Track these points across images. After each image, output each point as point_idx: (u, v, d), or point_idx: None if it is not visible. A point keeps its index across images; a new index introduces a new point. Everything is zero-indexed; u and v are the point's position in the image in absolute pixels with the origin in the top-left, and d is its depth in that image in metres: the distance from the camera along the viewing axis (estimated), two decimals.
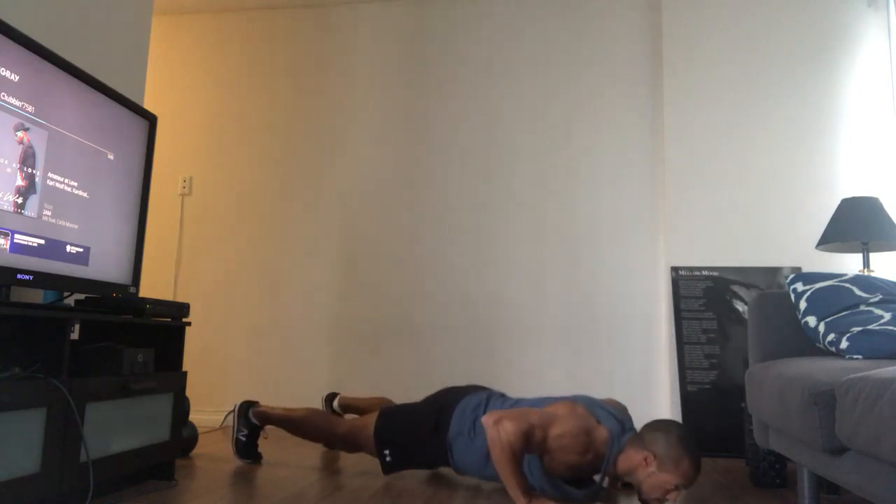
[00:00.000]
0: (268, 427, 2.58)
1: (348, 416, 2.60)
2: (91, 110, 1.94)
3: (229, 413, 3.46)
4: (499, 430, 1.84)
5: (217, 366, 3.58)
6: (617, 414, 1.99)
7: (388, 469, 2.21)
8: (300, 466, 2.39)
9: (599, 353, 3.26)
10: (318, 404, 3.35)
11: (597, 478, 2.10)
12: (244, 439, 2.46)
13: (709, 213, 3.17)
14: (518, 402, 2.14)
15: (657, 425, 1.89)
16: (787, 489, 2.15)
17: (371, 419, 2.26)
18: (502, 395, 2.23)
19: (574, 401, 2.02)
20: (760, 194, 3.15)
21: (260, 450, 2.53)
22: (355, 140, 3.67)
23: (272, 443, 2.93)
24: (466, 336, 3.38)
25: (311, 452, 2.70)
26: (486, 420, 1.88)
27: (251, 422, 2.48)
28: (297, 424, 2.40)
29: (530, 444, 1.87)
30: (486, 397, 2.18)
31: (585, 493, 1.95)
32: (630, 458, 1.88)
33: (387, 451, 2.19)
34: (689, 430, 1.91)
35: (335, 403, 2.79)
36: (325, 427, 2.35)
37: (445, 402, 2.20)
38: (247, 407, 2.50)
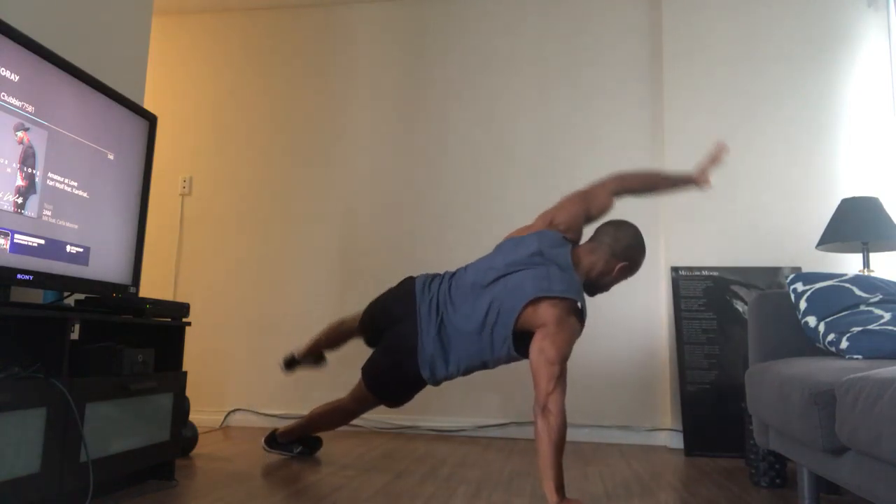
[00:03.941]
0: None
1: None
2: (91, 110, 1.94)
3: (229, 413, 3.48)
4: (548, 421, 1.83)
5: (217, 366, 3.58)
6: (552, 256, 2.09)
7: (393, 406, 2.34)
8: (302, 465, 2.39)
9: (599, 353, 3.25)
10: (317, 404, 3.34)
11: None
12: (305, 448, 2.56)
13: (709, 213, 3.17)
14: (455, 277, 2.20)
15: (622, 235, 2.12)
16: (787, 489, 2.15)
17: (359, 386, 2.33)
18: (433, 277, 2.26)
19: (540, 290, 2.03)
20: (760, 194, 3.15)
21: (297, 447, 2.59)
22: (355, 139, 3.67)
23: None
24: None
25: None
26: (536, 411, 1.87)
27: (286, 444, 2.55)
28: (317, 423, 2.46)
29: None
30: (424, 315, 2.17)
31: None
32: (603, 269, 2.13)
33: (386, 399, 2.30)
34: (636, 227, 2.16)
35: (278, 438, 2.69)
36: (338, 411, 2.41)
37: (400, 350, 2.19)
38: (272, 437, 2.56)
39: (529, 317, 2.01)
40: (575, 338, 1.97)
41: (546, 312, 1.97)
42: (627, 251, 2.12)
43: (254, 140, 3.76)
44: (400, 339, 2.19)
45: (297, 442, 2.56)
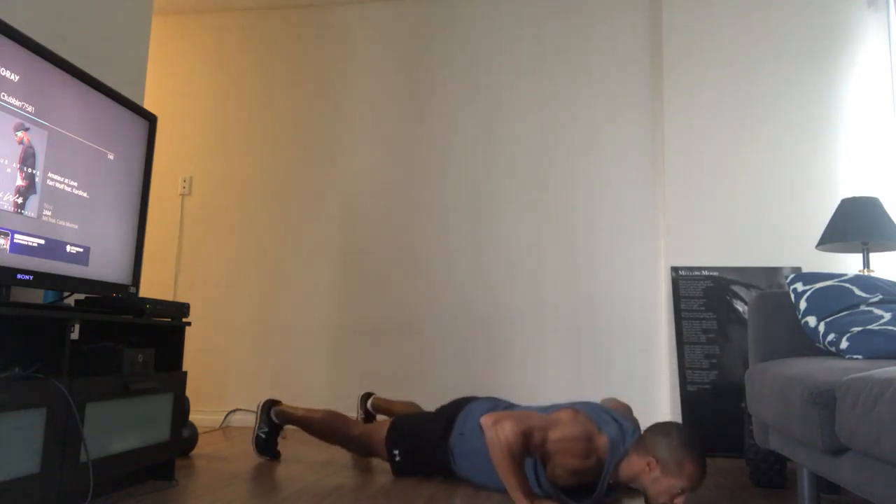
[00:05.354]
0: (288, 427, 2.66)
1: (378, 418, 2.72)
2: (91, 110, 1.94)
3: (229, 413, 3.48)
4: (497, 431, 1.83)
5: (217, 366, 3.58)
6: (620, 418, 1.97)
7: (398, 469, 2.26)
8: (303, 464, 2.39)
9: (600, 352, 3.26)
10: (317, 404, 3.35)
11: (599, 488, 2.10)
12: (264, 436, 2.54)
13: (709, 213, 3.17)
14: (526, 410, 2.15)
15: (658, 429, 1.87)
16: (787, 489, 2.15)
17: (385, 424, 2.32)
18: (510, 405, 2.24)
19: (576, 408, 2.00)
20: (760, 194, 3.15)
21: (279, 448, 2.59)
22: (355, 140, 3.67)
23: (286, 440, 2.92)
24: (466, 336, 3.38)
25: (316, 450, 2.70)
26: (485, 421, 1.87)
27: (272, 420, 2.55)
28: (316, 426, 2.46)
29: (530, 446, 1.86)
30: (493, 405, 2.20)
31: (588, 501, 1.90)
32: (633, 465, 1.86)
33: (396, 452, 2.25)
34: (692, 432, 1.85)
35: (369, 403, 2.85)
36: (341, 429, 2.41)
37: (454, 408, 2.24)
38: (269, 405, 2.57)
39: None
40: (534, 436, 1.86)
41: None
42: (659, 449, 1.82)
43: (254, 140, 3.76)
44: (449, 408, 2.27)
45: (273, 430, 2.54)
